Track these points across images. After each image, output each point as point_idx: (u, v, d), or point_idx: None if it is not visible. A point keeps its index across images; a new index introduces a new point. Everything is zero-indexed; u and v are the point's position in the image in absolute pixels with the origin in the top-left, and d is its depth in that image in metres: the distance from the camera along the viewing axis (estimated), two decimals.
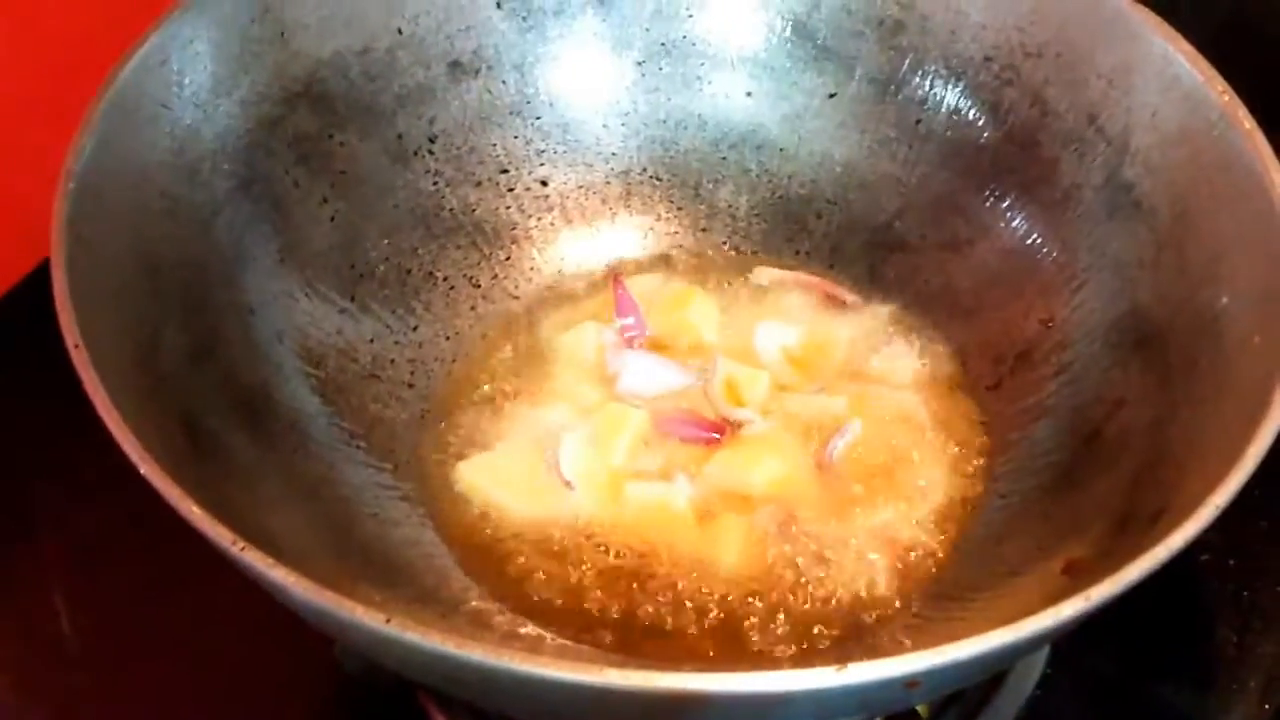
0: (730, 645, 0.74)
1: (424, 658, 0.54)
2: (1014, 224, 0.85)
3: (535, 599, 0.76)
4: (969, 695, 0.78)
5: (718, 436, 0.82)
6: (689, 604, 0.76)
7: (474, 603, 0.75)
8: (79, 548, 0.87)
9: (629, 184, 0.94)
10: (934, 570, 0.77)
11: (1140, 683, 0.80)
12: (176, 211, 0.75)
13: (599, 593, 0.76)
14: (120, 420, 0.59)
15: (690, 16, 0.93)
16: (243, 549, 0.56)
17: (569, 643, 0.74)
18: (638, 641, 0.75)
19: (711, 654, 0.74)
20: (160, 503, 0.57)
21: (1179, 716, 0.79)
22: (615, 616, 0.75)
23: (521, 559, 0.78)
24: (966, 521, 0.78)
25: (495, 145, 0.91)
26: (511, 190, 0.92)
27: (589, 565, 0.77)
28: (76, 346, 0.62)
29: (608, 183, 0.94)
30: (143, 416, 0.61)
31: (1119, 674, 0.80)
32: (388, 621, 0.53)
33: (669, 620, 0.75)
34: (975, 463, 0.81)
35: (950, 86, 0.88)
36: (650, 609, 0.76)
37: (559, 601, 0.76)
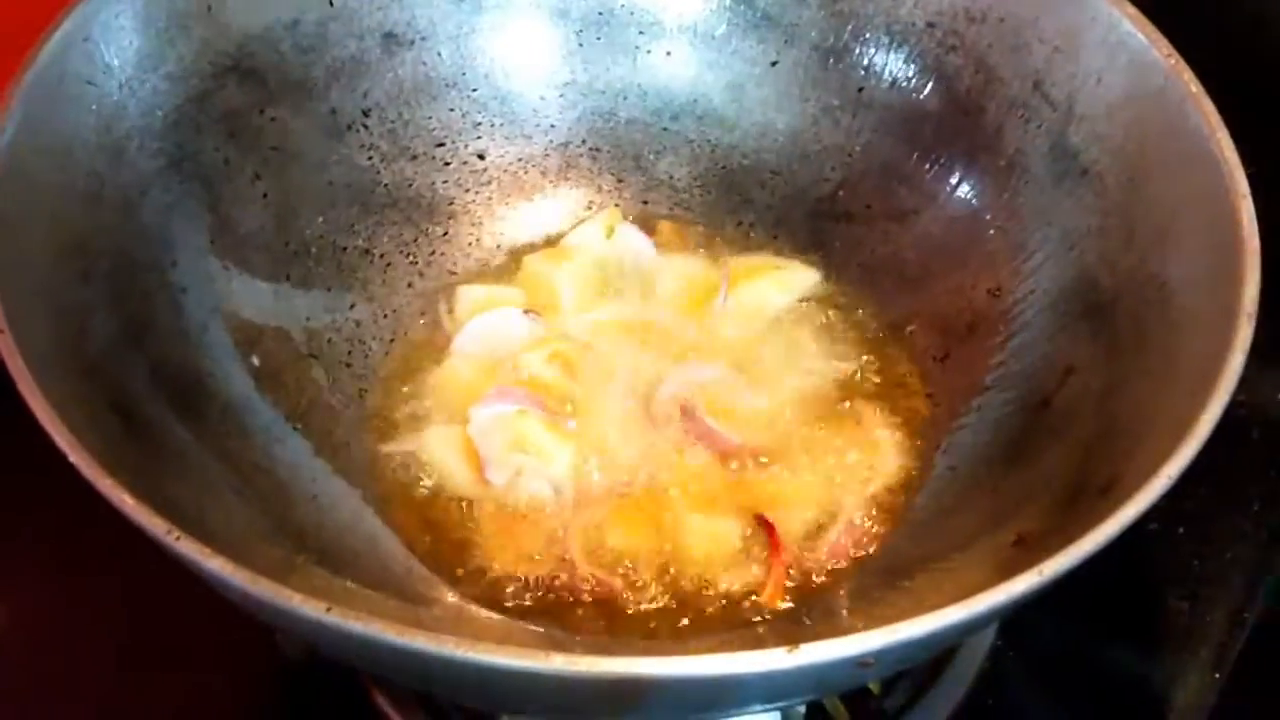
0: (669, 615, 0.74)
1: (366, 646, 0.53)
2: (959, 192, 0.85)
3: (482, 578, 0.75)
4: (919, 669, 0.78)
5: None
6: (636, 571, 0.75)
7: (418, 584, 0.74)
8: (5, 539, 0.86)
9: (568, 156, 0.93)
10: (883, 543, 0.77)
11: (1091, 654, 0.80)
12: (103, 191, 0.73)
13: (545, 568, 0.75)
14: (48, 407, 0.58)
15: None
16: (178, 538, 0.55)
17: (519, 624, 0.73)
18: (588, 614, 0.74)
19: (653, 625, 0.74)
20: (91, 489, 0.56)
21: (1130, 687, 0.80)
22: (561, 591, 0.75)
23: (465, 537, 0.77)
24: (916, 494, 0.78)
25: (431, 118, 0.90)
26: (448, 164, 0.91)
27: (537, 541, 0.76)
28: (1, 331, 0.60)
29: (547, 155, 0.93)
30: (72, 402, 0.60)
31: (1069, 645, 0.80)
32: (328, 610, 0.52)
33: (615, 588, 0.75)
34: (924, 435, 0.81)
35: (893, 53, 0.87)
36: (593, 580, 0.75)
37: (507, 580, 0.75)
